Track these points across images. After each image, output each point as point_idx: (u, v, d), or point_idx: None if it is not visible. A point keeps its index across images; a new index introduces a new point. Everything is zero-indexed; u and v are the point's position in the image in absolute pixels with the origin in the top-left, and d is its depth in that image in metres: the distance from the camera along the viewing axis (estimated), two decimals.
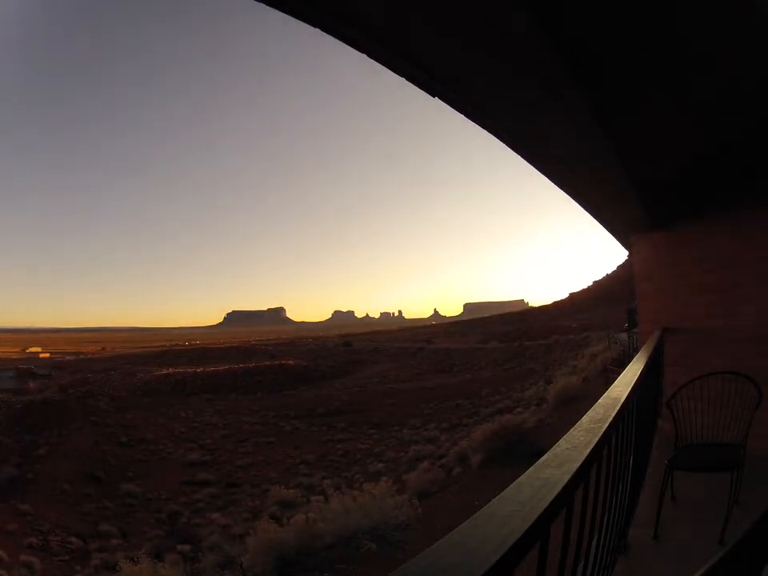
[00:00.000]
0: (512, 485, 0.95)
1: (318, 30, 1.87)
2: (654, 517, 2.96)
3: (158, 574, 7.03)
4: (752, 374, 3.16)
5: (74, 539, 16.34)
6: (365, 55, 2.04)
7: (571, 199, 4.51)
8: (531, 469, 1.04)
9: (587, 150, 3.23)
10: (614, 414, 1.55)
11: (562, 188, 4.15)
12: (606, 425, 1.42)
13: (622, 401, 1.76)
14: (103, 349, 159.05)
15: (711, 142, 3.98)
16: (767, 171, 4.28)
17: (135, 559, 7.97)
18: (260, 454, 28.81)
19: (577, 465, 1.07)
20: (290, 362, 66.12)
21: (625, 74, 2.63)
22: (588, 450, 1.18)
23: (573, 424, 1.42)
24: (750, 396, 3.08)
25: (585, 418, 1.50)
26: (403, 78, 2.22)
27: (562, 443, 1.24)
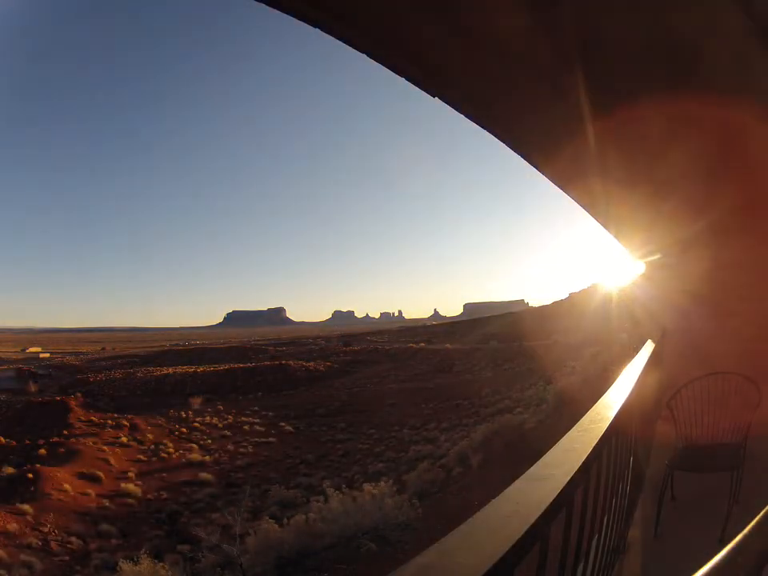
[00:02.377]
0: (512, 485, 0.96)
1: (317, 30, 1.87)
2: (654, 517, 2.96)
3: (158, 574, 7.02)
4: (752, 374, 3.16)
5: (74, 539, 16.33)
6: (365, 55, 2.04)
7: (571, 199, 4.51)
8: (531, 469, 1.04)
9: (589, 151, 3.23)
10: (613, 415, 1.55)
11: (562, 189, 4.16)
12: (606, 425, 1.42)
13: (622, 401, 1.76)
14: (103, 349, 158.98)
15: None
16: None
17: (135, 559, 7.96)
18: (260, 454, 28.80)
19: (577, 465, 1.07)
20: (290, 362, 66.12)
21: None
22: (588, 450, 1.18)
23: (573, 424, 1.42)
24: (750, 396, 3.08)
25: (585, 419, 1.50)
26: (403, 78, 2.22)
27: (562, 443, 1.24)
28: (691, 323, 5.21)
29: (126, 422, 36.17)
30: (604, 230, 6.30)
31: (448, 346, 73.02)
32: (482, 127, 2.75)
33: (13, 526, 15.73)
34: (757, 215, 4.58)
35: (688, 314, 5.28)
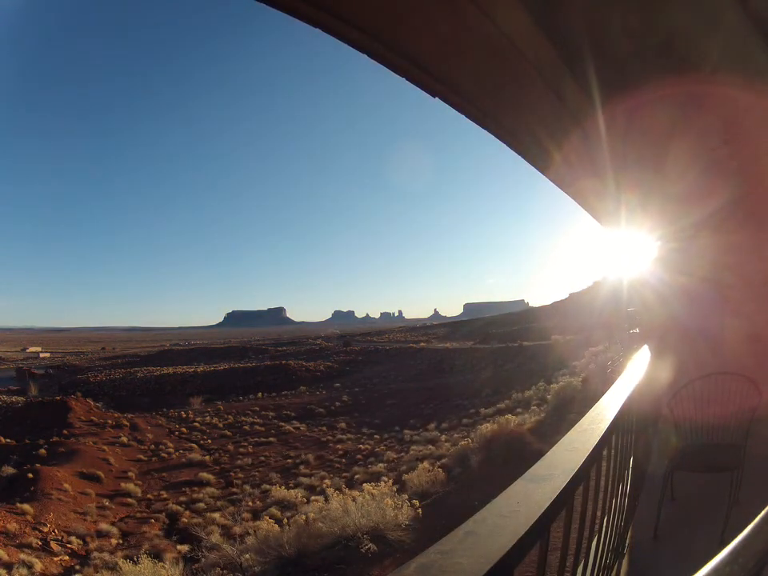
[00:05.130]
0: (512, 485, 0.96)
1: (318, 30, 1.87)
2: (654, 517, 2.96)
3: (158, 574, 7.02)
4: (752, 374, 3.16)
5: (74, 539, 16.33)
6: (365, 55, 2.04)
7: (571, 199, 4.51)
8: (531, 469, 1.04)
9: (590, 152, 3.24)
10: (613, 415, 1.55)
11: (562, 188, 4.15)
12: (606, 425, 1.42)
13: (622, 402, 1.76)
14: (103, 349, 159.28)
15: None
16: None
17: (135, 559, 7.96)
18: (260, 453, 28.80)
19: (577, 465, 1.07)
20: (290, 362, 66.11)
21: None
22: (588, 451, 1.18)
23: (573, 425, 1.42)
24: (750, 396, 3.08)
25: (585, 419, 1.50)
26: (403, 78, 2.22)
27: (562, 443, 1.24)
28: (691, 323, 5.20)
29: (126, 422, 36.19)
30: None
31: (448, 345, 72.99)
32: (483, 127, 2.74)
33: (13, 526, 15.72)
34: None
35: (688, 314, 5.26)
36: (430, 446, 20.72)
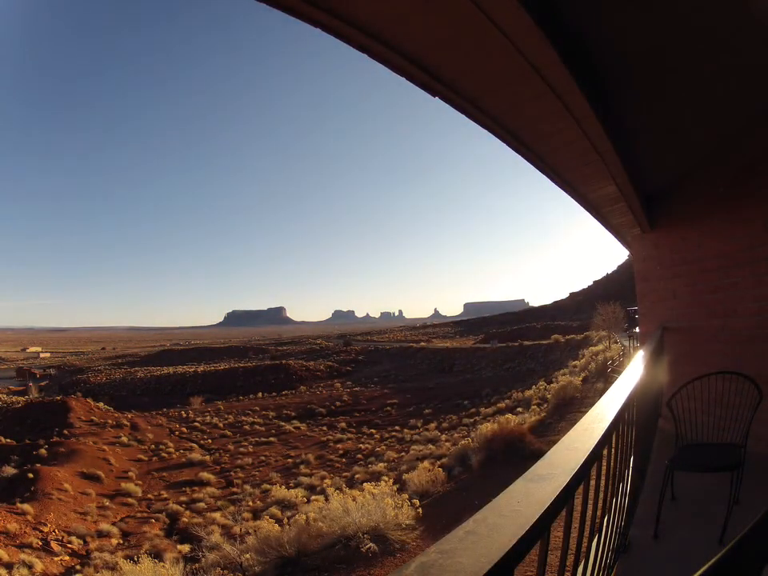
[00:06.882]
0: (512, 484, 0.96)
1: (317, 30, 1.87)
2: (654, 517, 2.96)
3: (159, 573, 7.02)
4: (752, 374, 3.16)
5: (74, 539, 16.33)
6: (365, 55, 2.04)
7: (572, 199, 4.50)
8: (531, 469, 1.04)
9: (589, 151, 3.23)
10: (614, 415, 1.55)
11: (562, 188, 4.15)
12: (607, 425, 1.42)
13: (622, 401, 1.76)
14: (103, 349, 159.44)
15: (712, 136, 3.99)
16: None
17: (135, 559, 7.96)
18: (260, 453, 28.80)
19: (577, 465, 1.07)
20: (291, 361, 66.11)
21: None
22: (588, 450, 1.18)
23: (573, 424, 1.42)
24: (750, 396, 3.08)
25: (585, 418, 1.50)
26: (403, 78, 2.22)
27: (562, 443, 1.24)
28: (691, 322, 5.21)
29: (126, 422, 36.20)
30: (605, 230, 6.28)
31: (448, 345, 73.02)
32: (484, 128, 2.74)
33: (13, 526, 15.71)
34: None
35: (688, 314, 5.27)
36: (431, 446, 20.72)
